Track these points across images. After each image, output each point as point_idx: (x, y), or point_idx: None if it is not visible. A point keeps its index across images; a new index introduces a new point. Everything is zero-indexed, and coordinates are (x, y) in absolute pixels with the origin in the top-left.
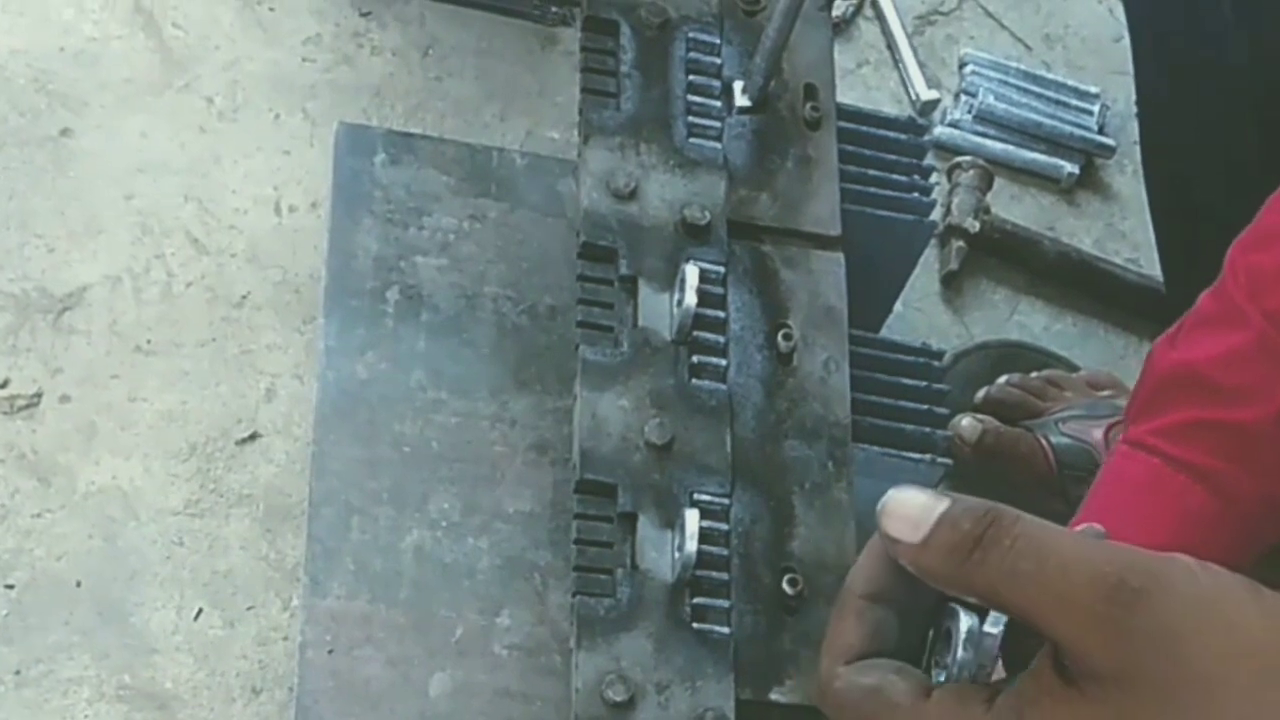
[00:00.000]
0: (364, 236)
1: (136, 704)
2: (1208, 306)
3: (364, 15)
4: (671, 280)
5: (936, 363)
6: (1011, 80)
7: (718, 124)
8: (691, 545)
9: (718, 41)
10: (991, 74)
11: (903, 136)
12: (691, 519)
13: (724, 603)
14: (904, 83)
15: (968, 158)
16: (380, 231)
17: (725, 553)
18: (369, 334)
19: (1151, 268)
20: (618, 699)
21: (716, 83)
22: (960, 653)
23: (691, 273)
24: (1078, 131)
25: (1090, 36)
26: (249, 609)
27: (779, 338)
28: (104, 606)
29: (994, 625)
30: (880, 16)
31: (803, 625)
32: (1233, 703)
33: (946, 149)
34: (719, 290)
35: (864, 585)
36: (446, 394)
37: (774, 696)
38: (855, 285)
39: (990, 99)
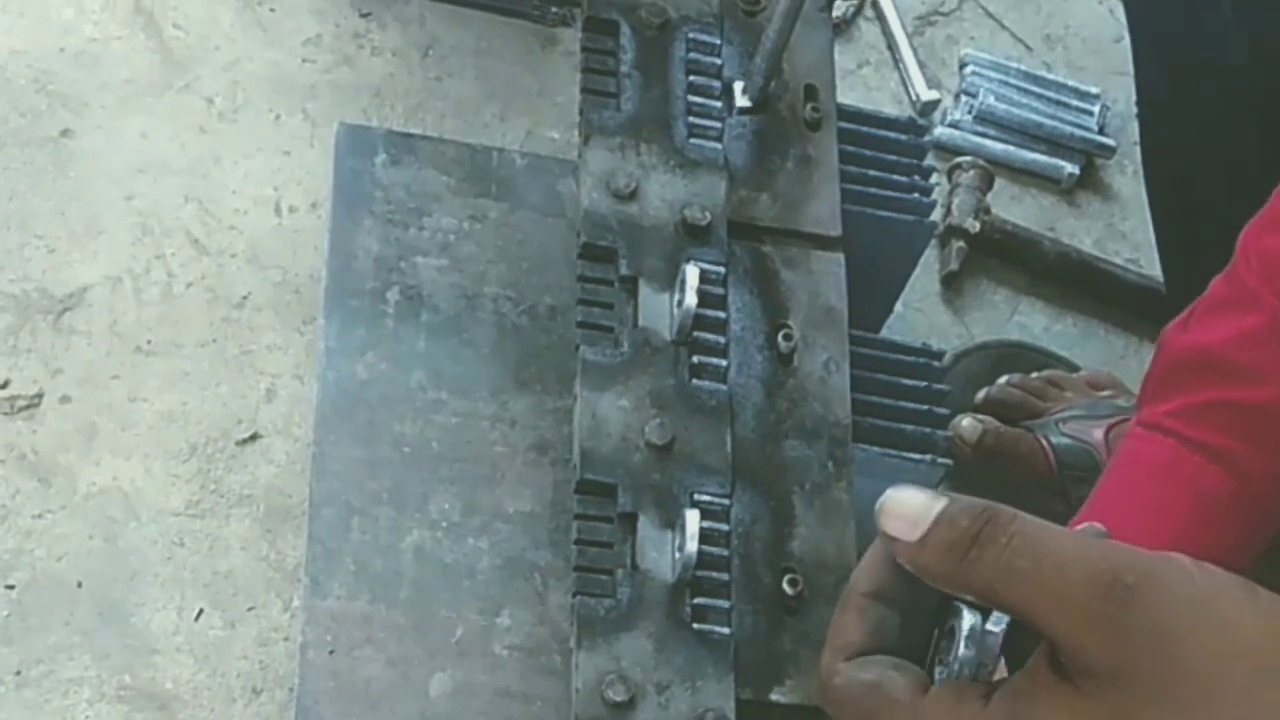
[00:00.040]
0: (364, 237)
1: (137, 704)
2: (1220, 291)
3: (364, 16)
4: (672, 280)
5: (937, 363)
6: (1012, 81)
7: (718, 124)
8: (692, 545)
9: (718, 42)
10: (992, 74)
11: (903, 137)
12: (692, 519)
13: (724, 603)
14: (904, 83)
15: (968, 158)
16: (380, 232)
17: (725, 553)
18: (369, 334)
19: (1152, 268)
20: (618, 699)
21: (717, 83)
22: (962, 650)
23: (692, 273)
24: (1078, 132)
25: (1091, 37)
26: (249, 609)
27: (779, 338)
28: (105, 607)
29: (996, 624)
30: (880, 17)
31: (803, 625)
32: (1227, 701)
33: (947, 149)
34: (719, 290)
35: (867, 584)
36: (447, 394)
37: (774, 697)
38: (855, 286)
39: (991, 99)
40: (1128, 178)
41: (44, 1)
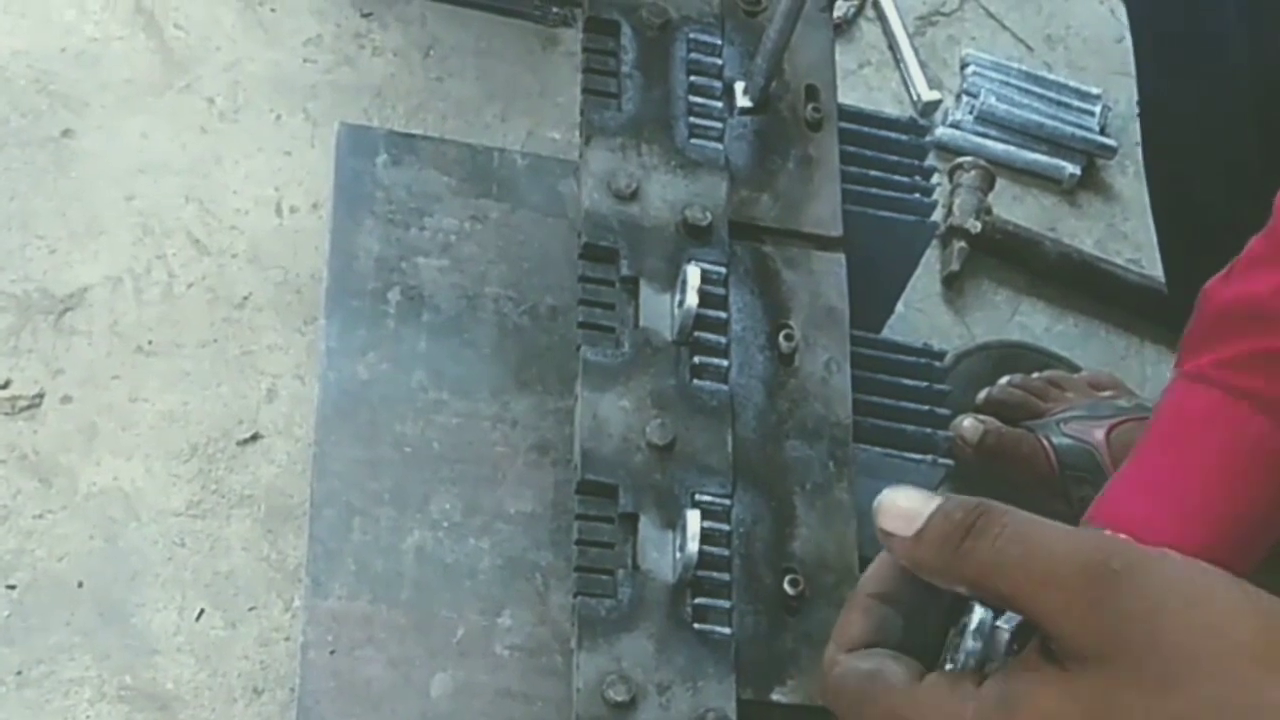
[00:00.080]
0: (365, 237)
1: (138, 704)
2: (1259, 248)
3: (365, 16)
4: (673, 281)
5: (938, 363)
6: (1013, 81)
7: (719, 125)
8: (693, 546)
9: (719, 42)
10: (993, 75)
11: (904, 137)
12: (693, 519)
13: (725, 603)
14: (905, 83)
15: (969, 158)
16: (381, 232)
17: (726, 553)
18: (370, 335)
19: (1153, 268)
20: (619, 699)
21: (718, 83)
22: (970, 643)
23: (693, 273)
24: (1079, 132)
25: (1092, 37)
26: (250, 610)
27: (780, 338)
28: (105, 607)
29: (1007, 622)
30: (882, 17)
31: (804, 625)
32: (1209, 680)
33: (948, 150)
34: (720, 291)
35: (873, 585)
36: (448, 394)
37: (775, 697)
38: (857, 286)
39: (992, 100)
40: (1129, 178)
41: (45, 2)
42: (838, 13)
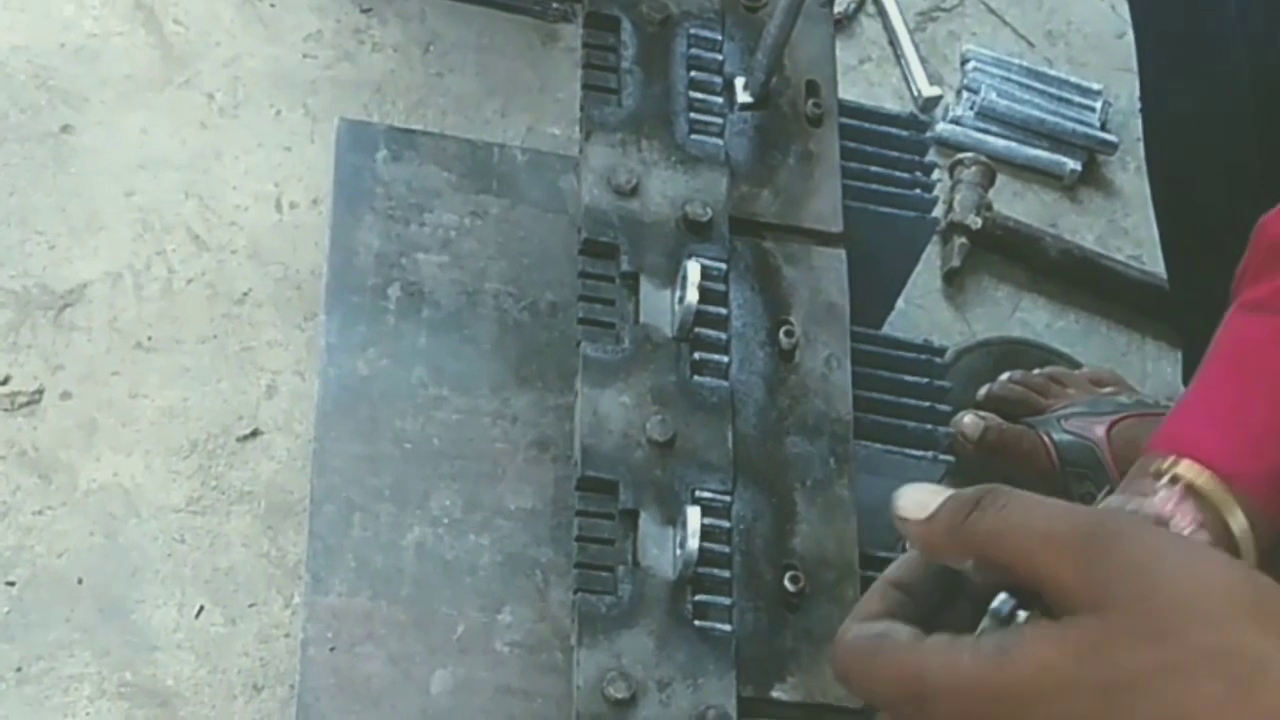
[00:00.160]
0: (365, 233)
1: (138, 701)
2: None
3: (365, 11)
4: (673, 277)
5: (938, 359)
6: (1014, 77)
7: (719, 120)
8: (693, 542)
9: (719, 38)
10: (994, 70)
11: (905, 133)
12: (693, 516)
13: (725, 600)
14: (906, 79)
15: (970, 154)
16: (381, 228)
17: (727, 550)
18: (370, 330)
19: (1154, 264)
20: (619, 696)
21: (718, 79)
22: (985, 622)
23: (693, 269)
24: (1080, 128)
25: (1093, 33)
26: (250, 606)
27: (781, 334)
28: (105, 604)
29: (1026, 610)
30: (882, 12)
31: (804, 622)
32: (1200, 631)
33: (949, 145)
34: (720, 287)
35: (895, 573)
36: (448, 390)
37: (776, 694)
38: (857, 282)
39: (992, 95)
40: (1130, 174)
41: None
42: (838, 8)
